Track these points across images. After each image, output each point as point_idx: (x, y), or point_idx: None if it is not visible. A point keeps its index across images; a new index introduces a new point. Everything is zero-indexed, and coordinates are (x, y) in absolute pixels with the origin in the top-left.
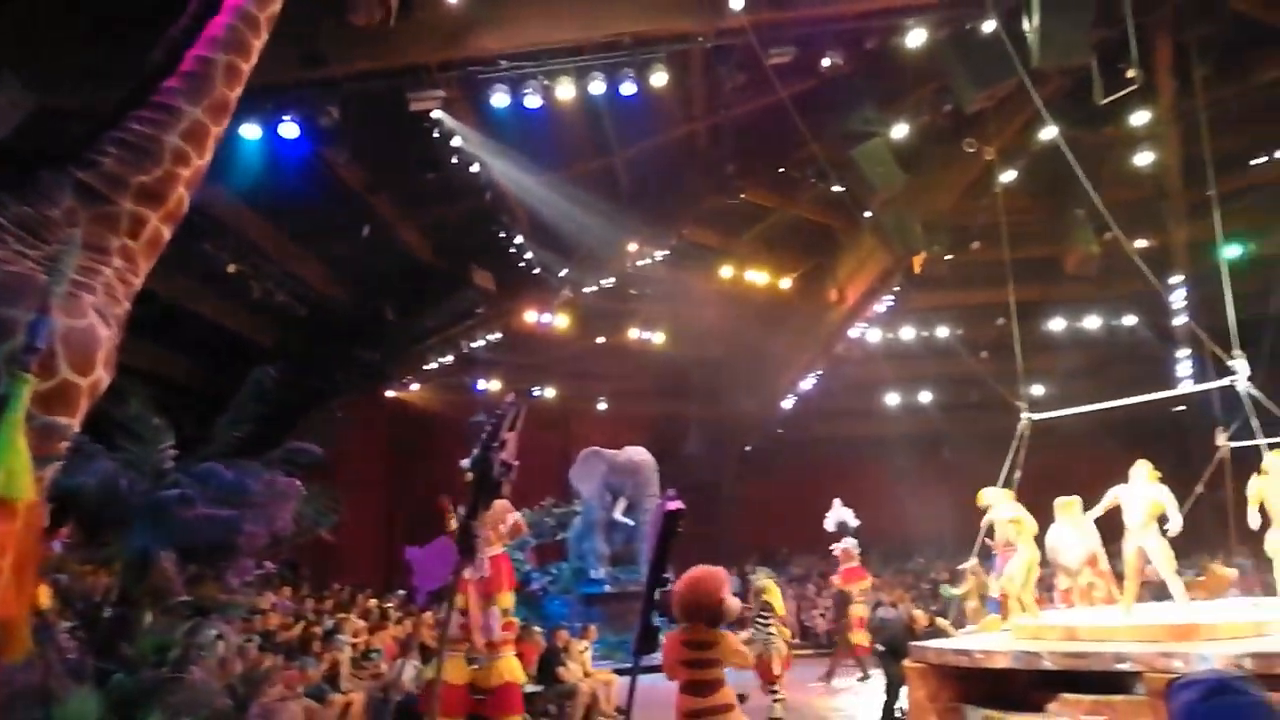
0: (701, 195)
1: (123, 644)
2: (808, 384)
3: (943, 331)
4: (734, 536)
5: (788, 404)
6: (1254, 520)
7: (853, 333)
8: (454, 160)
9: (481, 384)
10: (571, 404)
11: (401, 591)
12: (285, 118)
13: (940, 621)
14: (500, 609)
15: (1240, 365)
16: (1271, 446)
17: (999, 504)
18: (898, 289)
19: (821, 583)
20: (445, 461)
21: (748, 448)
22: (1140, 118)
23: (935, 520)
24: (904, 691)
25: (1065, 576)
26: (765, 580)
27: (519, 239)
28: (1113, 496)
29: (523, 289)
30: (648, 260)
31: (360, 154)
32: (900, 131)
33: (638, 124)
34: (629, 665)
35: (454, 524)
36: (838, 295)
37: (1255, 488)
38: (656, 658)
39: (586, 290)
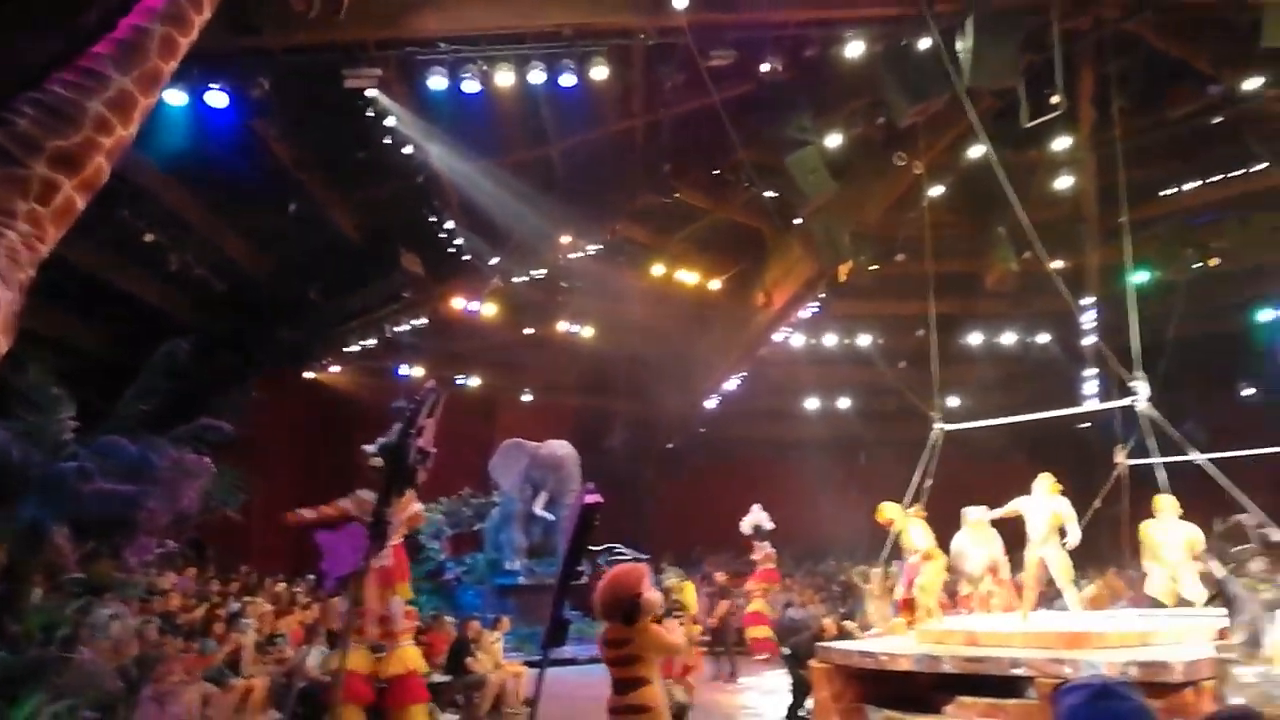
0: (636, 192)
1: (8, 620)
2: (731, 385)
3: (864, 340)
4: (651, 534)
5: (711, 404)
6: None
7: (777, 337)
8: (387, 141)
9: (404, 369)
10: (496, 394)
11: (311, 576)
12: (214, 86)
13: (847, 624)
14: (400, 598)
15: (1140, 386)
16: (1166, 465)
17: (907, 527)
18: (823, 296)
19: (736, 581)
20: (365, 445)
21: (670, 446)
22: (1062, 143)
23: (849, 524)
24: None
25: (968, 583)
26: (676, 579)
27: (450, 224)
28: (1015, 506)
29: (451, 275)
30: (580, 253)
31: (291, 129)
32: (833, 141)
33: (576, 116)
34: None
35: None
36: (765, 299)
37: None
38: (568, 650)
39: (516, 280)
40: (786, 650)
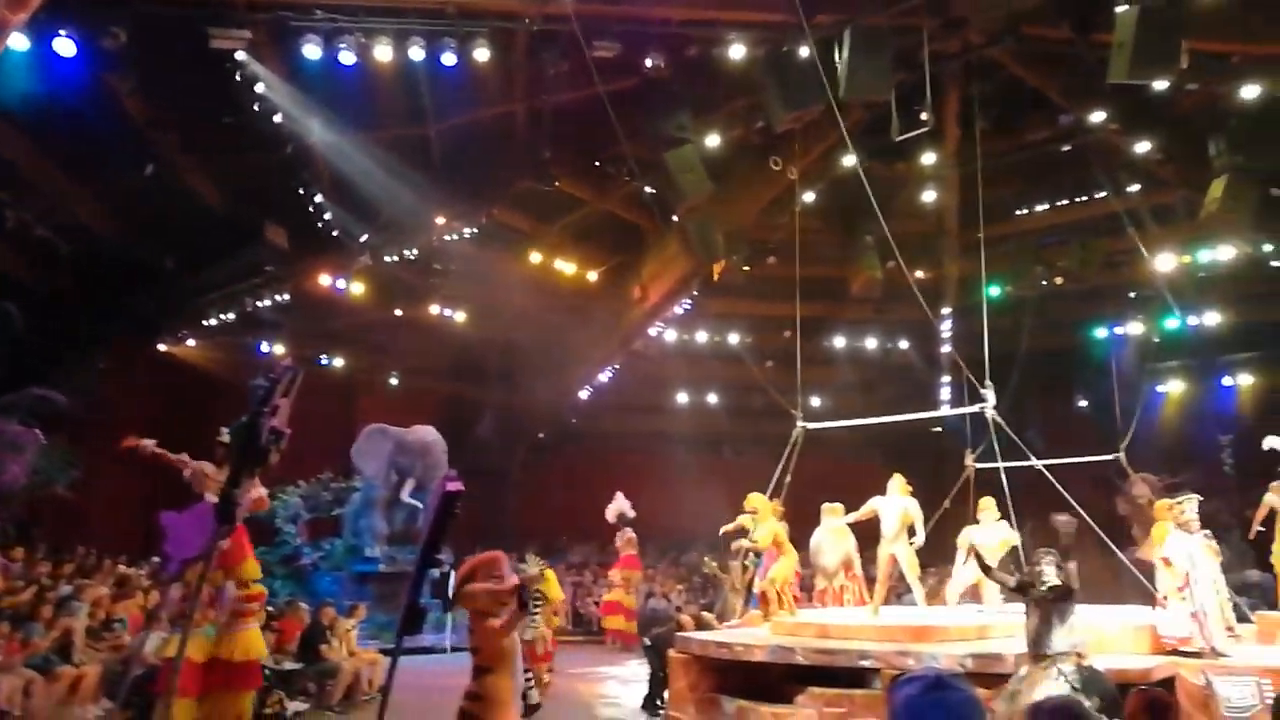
0: (515, 178)
1: None
2: (604, 377)
3: (734, 338)
4: (518, 524)
5: (583, 395)
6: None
7: (651, 331)
8: (255, 107)
9: (265, 346)
10: (361, 376)
11: (156, 559)
12: (61, 32)
13: (705, 616)
14: (242, 580)
15: (989, 395)
16: (1009, 469)
17: (760, 521)
18: (696, 294)
19: (599, 571)
20: (221, 423)
21: (540, 436)
22: (928, 159)
23: (712, 517)
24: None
25: (823, 578)
26: (537, 568)
27: (319, 198)
28: (871, 506)
29: (318, 250)
30: (455, 236)
31: (149, 86)
32: (712, 141)
33: (456, 96)
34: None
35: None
36: (640, 293)
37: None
38: (427, 639)
39: (387, 259)
40: (647, 641)
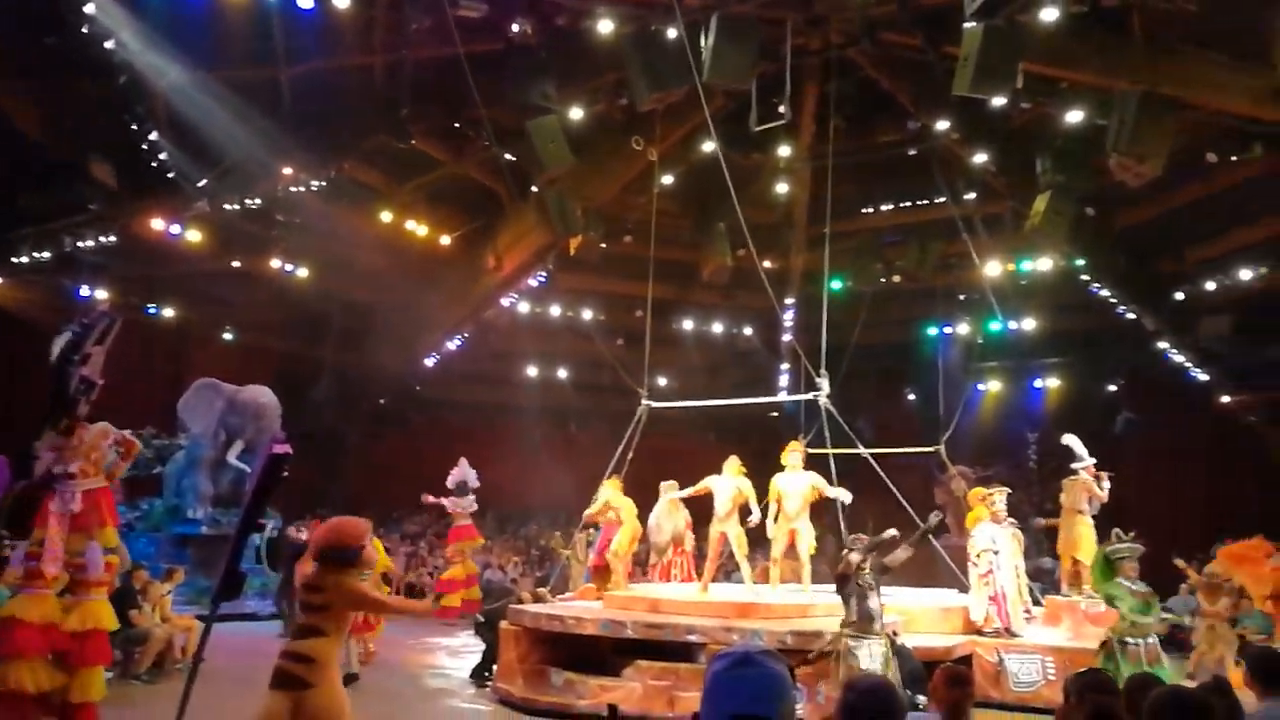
0: (370, 132)
1: None
2: (452, 345)
3: (586, 314)
4: (354, 491)
5: (429, 362)
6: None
7: (503, 301)
8: (85, 30)
9: (86, 290)
10: (193, 328)
11: None
12: None
13: (539, 590)
14: (102, 546)
15: (823, 383)
16: (838, 455)
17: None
18: (551, 267)
19: (435, 541)
20: (30, 370)
21: (382, 401)
22: (783, 151)
23: (554, 490)
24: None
25: (655, 553)
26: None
27: (153, 135)
28: (705, 484)
29: (150, 192)
30: (302, 188)
31: None
32: (576, 114)
33: (311, 42)
34: (224, 612)
35: None
36: (495, 262)
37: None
38: (250, 604)
39: (227, 207)
40: (479, 617)
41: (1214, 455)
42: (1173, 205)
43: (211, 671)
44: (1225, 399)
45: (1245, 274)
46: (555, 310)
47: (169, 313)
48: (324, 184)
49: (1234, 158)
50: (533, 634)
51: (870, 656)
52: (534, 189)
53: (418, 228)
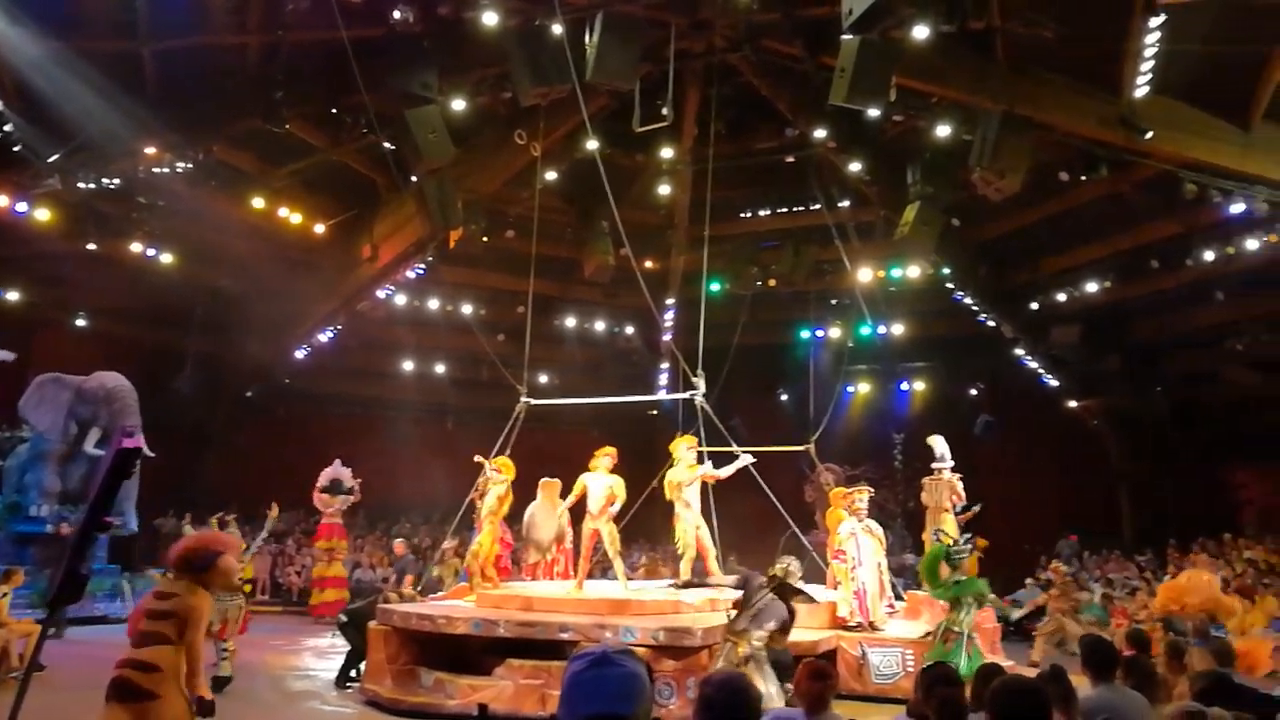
0: (241, 114)
1: None
2: (324, 337)
3: (466, 309)
4: (218, 487)
5: (300, 354)
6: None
7: (379, 293)
8: None
9: None
10: (39, 314)
11: None
12: None
13: (405, 589)
14: None
15: (700, 383)
16: (713, 453)
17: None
18: (430, 259)
19: (303, 540)
20: None
21: (249, 394)
22: (665, 153)
23: (429, 487)
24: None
25: (536, 551)
26: (236, 536)
27: None
28: (580, 483)
29: None
30: (166, 169)
31: None
32: (458, 106)
33: (179, 17)
34: (71, 615)
35: None
36: (371, 252)
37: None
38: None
39: (81, 185)
40: (343, 617)
41: (1063, 456)
42: (1030, 220)
43: (54, 679)
44: (1072, 404)
45: (1092, 286)
46: (434, 304)
47: (13, 295)
48: (191, 166)
49: (1084, 177)
50: (402, 634)
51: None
52: (414, 179)
53: (291, 215)
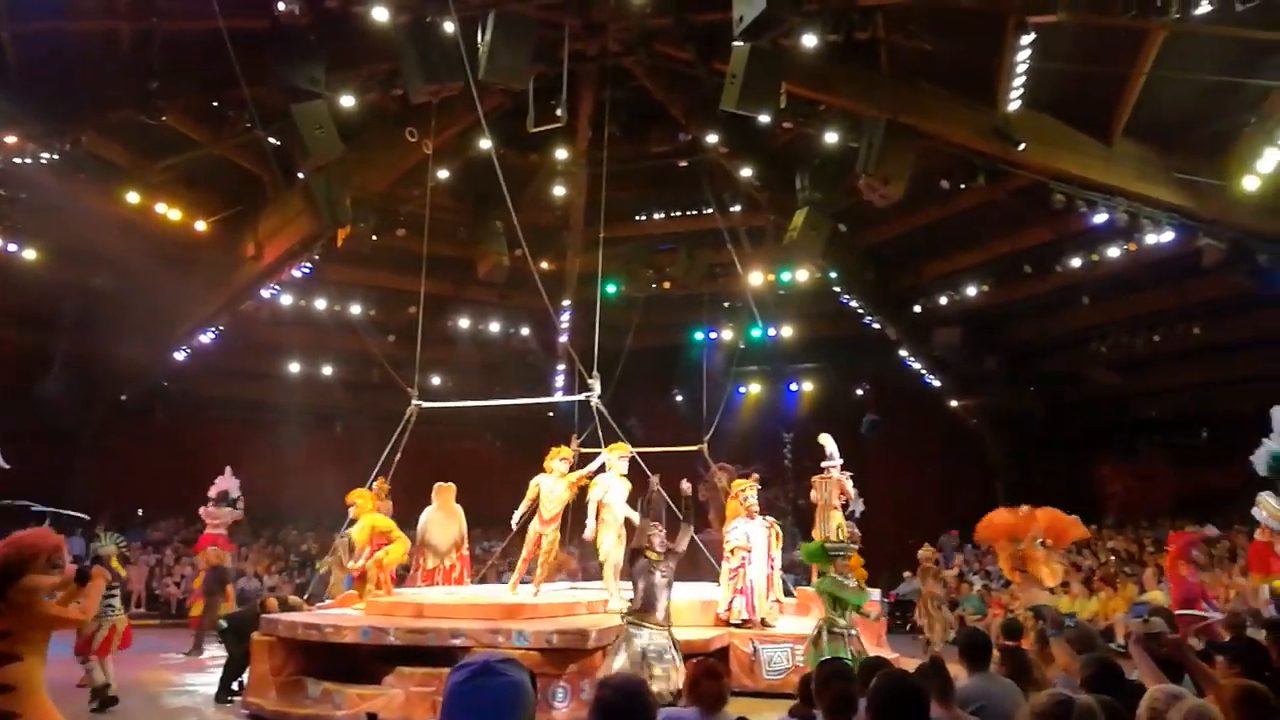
0: (113, 104)
1: None
2: (206, 338)
3: (355, 309)
4: (90, 494)
5: (180, 355)
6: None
7: (264, 293)
8: None
9: None
10: None
11: None
12: None
13: (293, 599)
14: None
15: (595, 384)
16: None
17: (360, 513)
18: (317, 258)
19: (182, 549)
20: None
21: (123, 397)
22: (560, 154)
23: (317, 493)
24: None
25: (433, 556)
26: (112, 545)
27: None
28: (534, 486)
29: None
30: (29, 160)
31: None
32: (347, 101)
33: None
34: None
35: None
36: (255, 251)
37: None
38: None
39: None
40: (223, 623)
41: (945, 454)
42: (913, 226)
43: None
44: (953, 403)
45: (971, 291)
46: (321, 304)
47: None
48: (57, 157)
49: (963, 185)
50: (288, 644)
51: (648, 644)
52: (300, 176)
53: (169, 211)
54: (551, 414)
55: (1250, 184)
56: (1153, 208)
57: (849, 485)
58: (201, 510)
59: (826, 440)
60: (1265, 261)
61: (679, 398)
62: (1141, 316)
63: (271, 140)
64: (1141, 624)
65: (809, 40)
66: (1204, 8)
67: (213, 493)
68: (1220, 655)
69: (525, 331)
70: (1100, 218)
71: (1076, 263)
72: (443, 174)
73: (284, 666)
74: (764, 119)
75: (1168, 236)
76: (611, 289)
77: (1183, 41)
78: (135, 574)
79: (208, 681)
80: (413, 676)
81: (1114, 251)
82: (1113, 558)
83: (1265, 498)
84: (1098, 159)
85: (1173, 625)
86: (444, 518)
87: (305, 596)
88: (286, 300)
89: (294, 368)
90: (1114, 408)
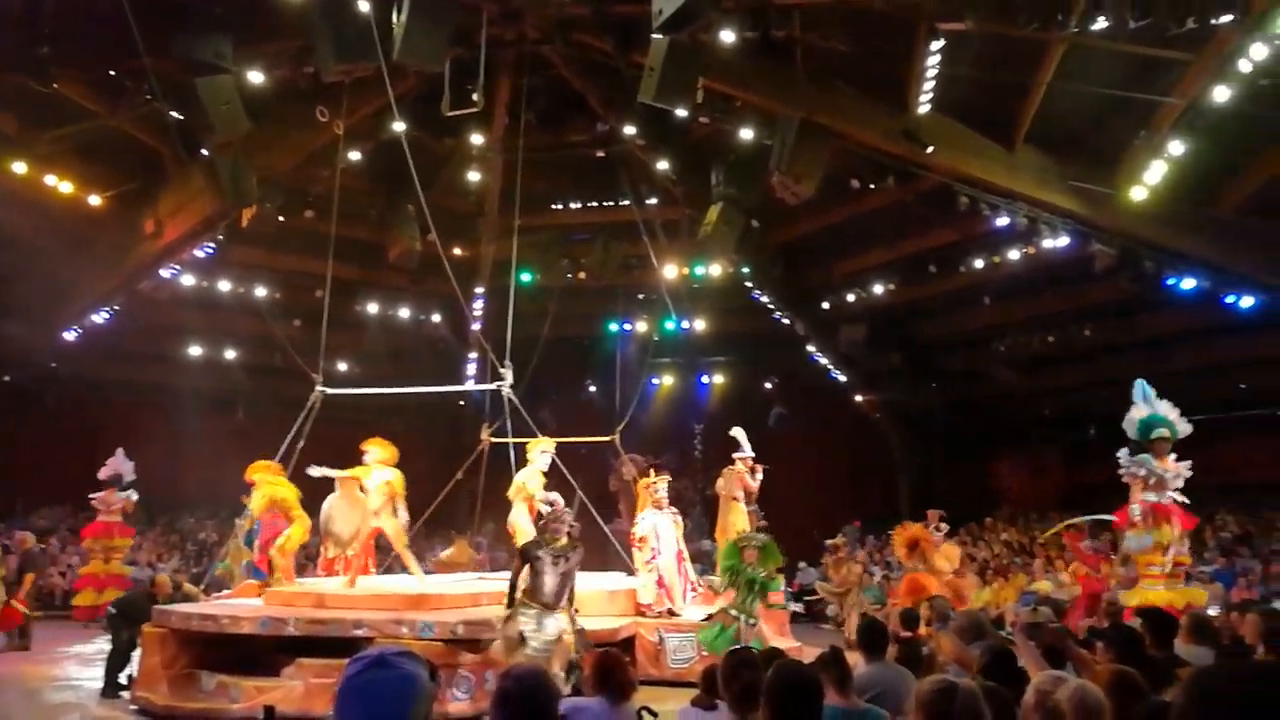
0: (1, 69)
1: None
2: (100, 318)
3: (260, 291)
4: None
5: (71, 336)
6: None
7: (163, 272)
8: None
9: None
10: None
11: None
12: None
13: (188, 587)
14: None
15: (508, 374)
16: (518, 445)
17: (258, 488)
18: (221, 238)
19: (70, 538)
20: None
21: (6, 379)
22: (476, 139)
23: (217, 480)
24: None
25: (335, 546)
26: None
27: None
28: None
29: None
30: None
31: None
32: (256, 77)
33: None
34: None
35: None
36: (154, 228)
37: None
38: None
39: None
40: (112, 610)
41: (850, 448)
42: (824, 223)
43: None
44: (859, 399)
45: (878, 289)
46: (225, 285)
47: None
48: None
49: (873, 186)
50: (182, 636)
51: (542, 629)
52: (204, 153)
53: (60, 183)
54: (462, 403)
55: (1138, 194)
56: (1050, 213)
57: (749, 477)
58: (93, 497)
59: (738, 433)
60: (1150, 268)
61: (592, 389)
62: (1038, 318)
63: (174, 115)
64: (1029, 613)
65: (727, 36)
66: (1100, 24)
67: (104, 475)
68: (1099, 641)
69: (436, 318)
70: (1002, 221)
71: (979, 264)
72: (354, 155)
73: (176, 659)
74: (681, 113)
75: (1063, 241)
76: (526, 278)
77: (1081, 55)
78: (12, 563)
79: (94, 676)
80: (312, 668)
81: (1014, 254)
82: (1005, 549)
83: (1144, 458)
84: (1001, 164)
85: (1059, 614)
86: (347, 506)
87: (202, 586)
88: (188, 281)
89: (195, 350)
90: (1011, 405)
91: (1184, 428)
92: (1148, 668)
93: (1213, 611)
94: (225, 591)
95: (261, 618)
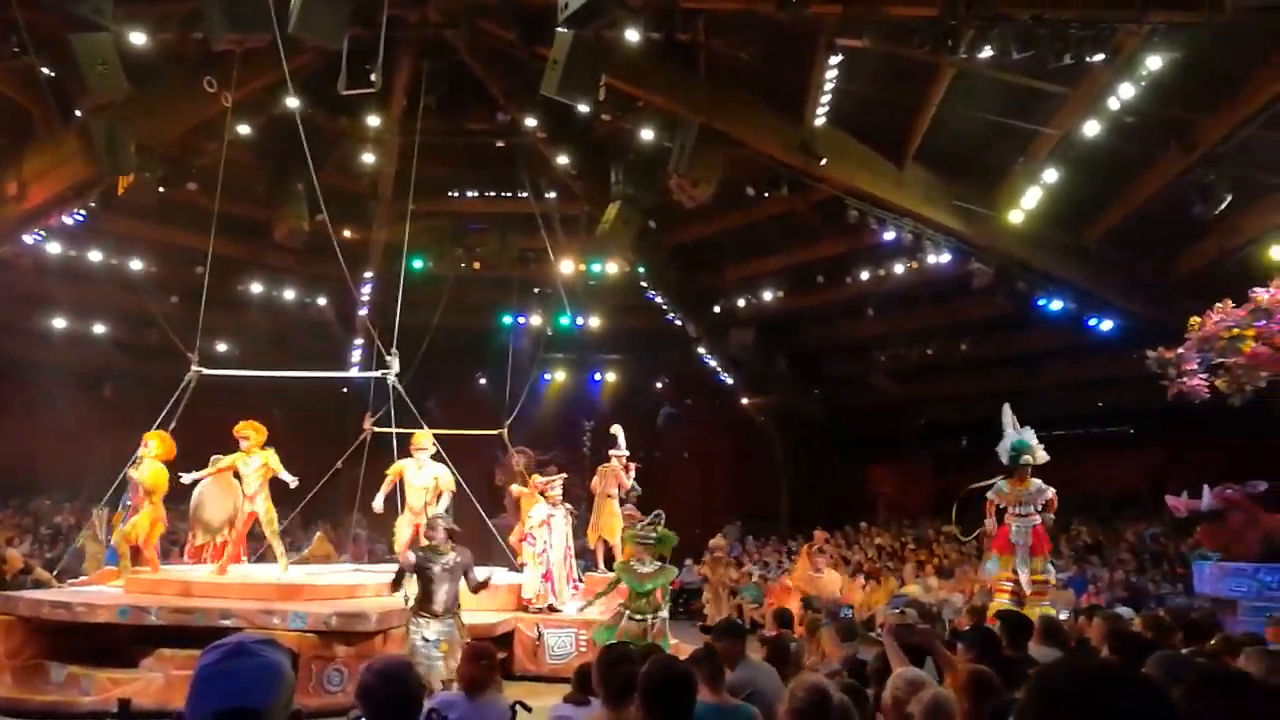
0: None
1: None
2: None
3: (135, 264)
4: None
5: None
6: (379, 504)
7: (26, 238)
8: None
9: None
10: None
11: None
12: None
13: (40, 572)
14: None
15: (394, 362)
16: (401, 435)
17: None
18: (93, 205)
19: None
20: None
21: None
22: (372, 121)
23: (77, 460)
24: None
25: (204, 533)
26: None
27: None
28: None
29: None
30: None
31: None
32: (138, 39)
33: None
34: None
35: None
36: (17, 191)
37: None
38: None
39: None
40: None
41: (735, 448)
42: (718, 228)
43: None
44: (745, 401)
45: (768, 295)
46: (96, 256)
47: None
48: None
49: (767, 194)
50: (30, 624)
51: (430, 634)
52: (78, 114)
53: None
54: (345, 390)
55: (1016, 217)
56: (934, 230)
57: (625, 476)
58: None
59: (616, 430)
60: (1023, 288)
61: (482, 381)
62: (918, 330)
63: (45, 71)
64: (897, 615)
65: (632, 35)
66: (986, 52)
67: None
68: (960, 642)
69: (322, 302)
70: (889, 235)
71: (865, 276)
72: (243, 129)
73: (23, 649)
74: (583, 108)
75: (945, 258)
76: (418, 265)
77: (969, 81)
78: None
79: None
80: (174, 659)
81: (899, 268)
82: (879, 553)
83: (998, 482)
84: (890, 180)
85: (926, 617)
86: (219, 493)
87: (56, 572)
88: (55, 249)
89: (59, 323)
90: (889, 413)
91: (1043, 455)
92: (1003, 667)
93: (1064, 616)
94: (82, 577)
95: (121, 606)
